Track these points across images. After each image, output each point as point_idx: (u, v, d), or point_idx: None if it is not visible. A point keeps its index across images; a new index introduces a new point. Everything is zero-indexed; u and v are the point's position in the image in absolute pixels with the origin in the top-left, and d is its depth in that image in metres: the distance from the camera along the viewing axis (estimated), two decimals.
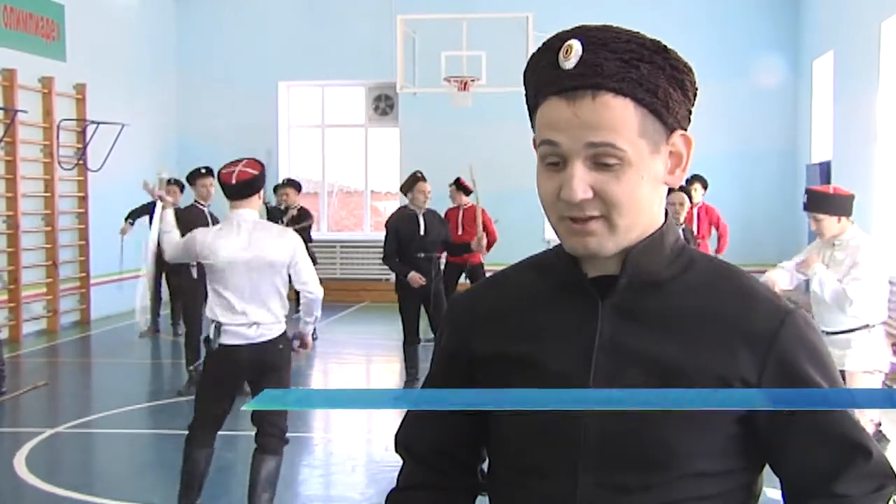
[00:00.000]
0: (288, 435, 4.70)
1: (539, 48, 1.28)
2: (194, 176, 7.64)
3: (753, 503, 1.32)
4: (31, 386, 8.25)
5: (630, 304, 1.28)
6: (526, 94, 1.31)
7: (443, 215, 8.54)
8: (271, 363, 4.56)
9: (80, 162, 12.12)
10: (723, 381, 1.23)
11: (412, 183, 7.75)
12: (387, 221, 7.89)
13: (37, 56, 11.37)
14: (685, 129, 1.29)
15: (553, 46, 1.25)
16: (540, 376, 1.28)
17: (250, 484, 4.61)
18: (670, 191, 7.87)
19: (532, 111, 1.29)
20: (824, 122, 12.57)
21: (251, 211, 4.55)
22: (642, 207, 1.25)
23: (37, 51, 11.41)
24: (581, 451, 1.25)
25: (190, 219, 6.87)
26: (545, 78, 1.24)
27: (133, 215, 10.88)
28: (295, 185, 10.74)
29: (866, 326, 4.80)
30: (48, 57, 11.61)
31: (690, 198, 7.88)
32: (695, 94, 1.30)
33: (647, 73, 1.22)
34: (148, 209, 10.84)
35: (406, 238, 7.62)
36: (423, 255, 7.65)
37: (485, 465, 1.48)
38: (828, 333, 4.74)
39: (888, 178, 9.82)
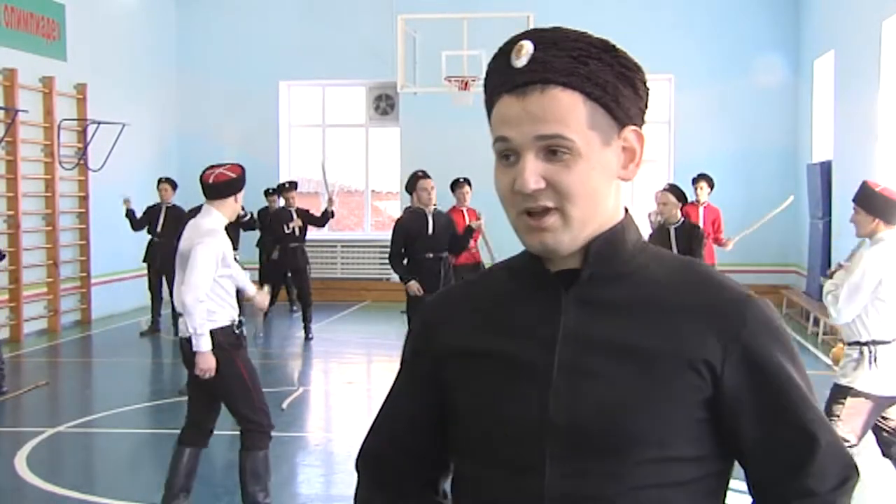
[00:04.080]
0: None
1: (495, 53, 1.32)
2: None
3: (725, 491, 1.34)
4: (32, 385, 8.26)
5: (593, 295, 1.30)
6: (485, 100, 1.34)
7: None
8: None
9: (81, 162, 12.12)
10: (688, 364, 1.25)
11: (414, 182, 7.74)
12: (396, 221, 7.85)
13: (37, 56, 11.38)
14: (638, 126, 1.31)
15: (507, 49, 1.29)
16: (506, 368, 1.30)
17: (239, 481, 4.69)
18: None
19: (490, 114, 1.32)
20: (825, 122, 12.57)
21: (220, 215, 4.67)
22: (596, 199, 1.27)
23: (37, 50, 11.41)
24: (548, 439, 1.26)
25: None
26: (498, 78, 1.29)
27: (137, 219, 10.99)
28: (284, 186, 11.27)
29: (859, 343, 4.47)
30: (49, 57, 11.62)
31: (684, 197, 7.77)
32: (647, 93, 1.32)
33: (595, 69, 1.25)
34: (151, 216, 10.94)
35: (414, 236, 7.57)
36: (431, 256, 7.61)
37: (447, 487, 1.46)
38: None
39: (889, 177, 9.81)
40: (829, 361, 9.23)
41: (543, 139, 1.24)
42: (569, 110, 1.24)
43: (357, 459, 1.49)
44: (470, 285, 1.45)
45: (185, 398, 5.06)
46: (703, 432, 1.27)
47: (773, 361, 1.27)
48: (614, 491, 1.24)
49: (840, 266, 4.80)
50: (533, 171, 1.24)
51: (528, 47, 1.26)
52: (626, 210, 1.35)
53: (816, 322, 10.95)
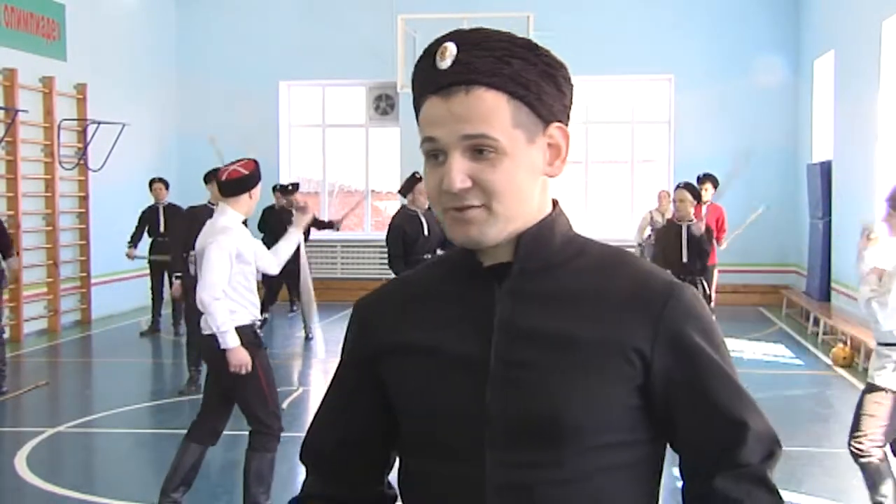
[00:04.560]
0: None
1: (420, 55, 1.34)
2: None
3: (660, 473, 1.37)
4: (32, 385, 8.26)
5: (525, 287, 1.33)
6: (412, 101, 1.36)
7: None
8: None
9: (81, 162, 12.12)
10: (619, 353, 1.28)
11: (411, 184, 7.73)
12: (391, 222, 7.83)
13: (37, 56, 11.38)
14: (563, 123, 1.34)
15: (431, 51, 1.31)
16: (443, 362, 1.32)
17: (243, 480, 4.70)
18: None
19: (417, 115, 1.34)
20: (825, 122, 12.57)
21: (235, 213, 4.65)
22: (521, 196, 1.30)
23: (37, 50, 11.41)
24: (487, 430, 1.28)
25: None
26: (424, 79, 1.31)
27: (134, 239, 10.97)
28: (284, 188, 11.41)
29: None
30: (49, 57, 11.62)
31: (699, 196, 7.95)
32: (571, 90, 1.34)
33: (518, 69, 1.28)
34: (144, 225, 10.95)
35: (412, 238, 7.57)
36: (429, 256, 7.59)
37: (393, 479, 1.47)
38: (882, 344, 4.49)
39: (889, 177, 9.81)
40: (829, 361, 9.25)
41: (469, 139, 1.26)
42: (493, 110, 1.26)
43: (300, 453, 1.50)
44: (404, 283, 1.48)
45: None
46: (637, 419, 1.30)
47: (699, 348, 1.30)
48: (554, 479, 1.27)
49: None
50: (459, 171, 1.26)
51: (451, 49, 1.28)
52: (556, 203, 1.38)
53: (816, 322, 10.95)
